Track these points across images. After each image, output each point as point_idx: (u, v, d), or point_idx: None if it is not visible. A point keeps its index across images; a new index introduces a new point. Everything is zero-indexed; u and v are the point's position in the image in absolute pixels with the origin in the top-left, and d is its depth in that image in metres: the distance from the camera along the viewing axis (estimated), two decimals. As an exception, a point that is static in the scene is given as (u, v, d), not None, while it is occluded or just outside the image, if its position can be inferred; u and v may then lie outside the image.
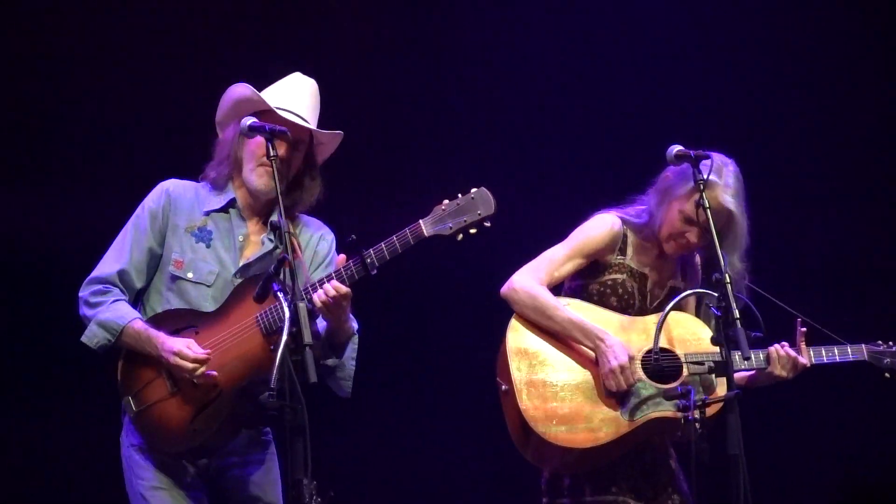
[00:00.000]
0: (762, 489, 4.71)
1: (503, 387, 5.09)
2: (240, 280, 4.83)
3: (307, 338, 4.31)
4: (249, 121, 4.70)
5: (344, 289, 4.66)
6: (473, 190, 4.84)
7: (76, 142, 6.82)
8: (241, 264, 4.87)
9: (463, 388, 6.68)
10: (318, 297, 4.67)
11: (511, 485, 5.67)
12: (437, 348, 7.34)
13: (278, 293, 4.46)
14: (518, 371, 5.05)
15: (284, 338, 4.27)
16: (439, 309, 7.32)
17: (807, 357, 5.11)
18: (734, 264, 5.06)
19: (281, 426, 4.38)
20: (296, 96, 4.92)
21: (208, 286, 4.84)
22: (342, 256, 4.75)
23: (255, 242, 4.92)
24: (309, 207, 4.94)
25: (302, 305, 4.33)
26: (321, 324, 4.78)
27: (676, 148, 4.94)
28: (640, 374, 5.01)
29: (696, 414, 4.68)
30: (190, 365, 4.66)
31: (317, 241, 4.97)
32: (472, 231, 4.81)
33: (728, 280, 4.68)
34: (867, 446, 7.06)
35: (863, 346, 5.21)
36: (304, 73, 5.03)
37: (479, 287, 5.45)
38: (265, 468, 4.88)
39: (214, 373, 4.70)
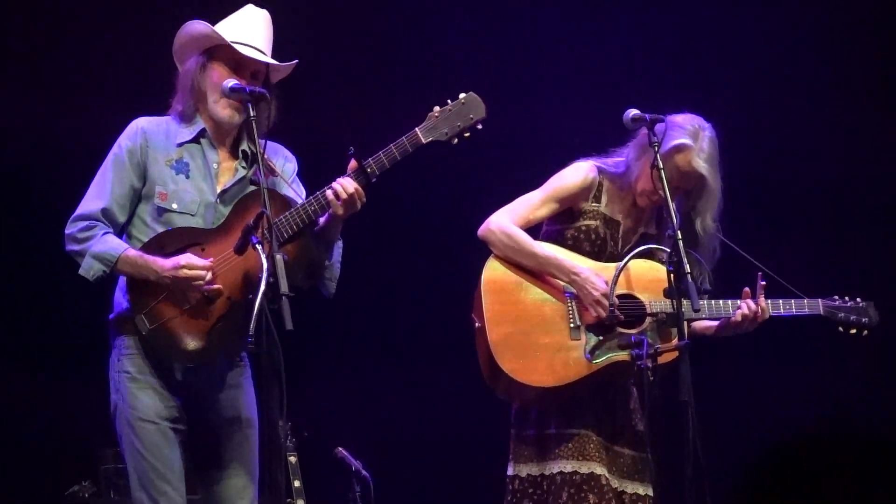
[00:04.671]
0: (711, 432, 4.79)
1: (476, 323, 5.20)
2: (221, 206, 4.93)
3: (284, 287, 4.40)
4: (231, 83, 4.84)
5: (354, 186, 4.80)
6: (462, 95, 4.97)
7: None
8: (218, 191, 4.95)
9: (439, 327, 6.74)
10: (335, 191, 4.79)
11: (483, 416, 5.76)
12: (414, 289, 7.47)
13: (257, 245, 4.54)
14: (490, 309, 5.17)
15: (262, 287, 4.39)
16: (418, 249, 7.43)
17: (766, 309, 5.22)
18: (707, 224, 5.19)
19: (259, 370, 4.49)
20: (250, 29, 4.99)
21: (193, 215, 4.91)
22: (353, 163, 4.84)
23: (228, 168, 5.01)
24: (268, 128, 4.96)
25: (279, 258, 4.46)
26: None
27: (632, 112, 5.03)
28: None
29: (649, 363, 4.84)
30: (202, 272, 4.75)
31: (282, 165, 5.09)
32: (467, 135, 4.94)
33: (679, 237, 4.80)
34: (810, 394, 7.19)
35: (819, 300, 5.30)
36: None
37: (460, 225, 5.59)
38: (242, 389, 4.99)
39: (219, 286, 4.78)
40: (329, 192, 4.82)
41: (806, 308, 5.30)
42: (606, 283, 5.15)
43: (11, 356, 7.02)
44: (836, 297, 5.34)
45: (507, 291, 5.23)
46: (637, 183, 5.24)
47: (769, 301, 5.24)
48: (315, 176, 5.06)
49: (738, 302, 5.21)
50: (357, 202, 4.84)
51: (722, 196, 5.22)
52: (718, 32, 7.46)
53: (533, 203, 5.31)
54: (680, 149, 5.12)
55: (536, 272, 5.26)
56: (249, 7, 5.07)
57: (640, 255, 5.18)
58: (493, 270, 5.25)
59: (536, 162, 5.50)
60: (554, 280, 5.25)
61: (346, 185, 4.82)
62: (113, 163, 4.97)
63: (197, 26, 4.99)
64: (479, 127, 4.96)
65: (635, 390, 5.32)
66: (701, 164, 5.14)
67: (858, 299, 5.34)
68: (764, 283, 5.21)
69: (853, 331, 5.31)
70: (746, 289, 5.21)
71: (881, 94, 7.39)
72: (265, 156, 4.88)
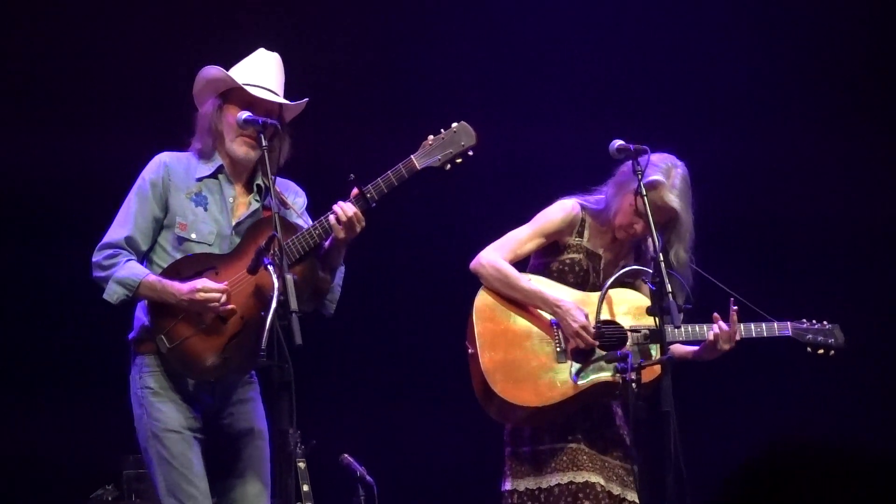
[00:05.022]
0: (692, 444, 5.03)
1: (469, 350, 5.41)
2: (236, 237, 5.17)
3: (294, 305, 4.67)
4: (245, 115, 5.10)
5: (354, 210, 5.04)
6: (454, 124, 5.21)
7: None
8: (234, 223, 5.18)
9: (439, 340, 6.79)
10: (336, 215, 5.04)
11: (482, 426, 5.82)
12: (415, 307, 7.64)
13: (269, 266, 4.76)
14: (482, 336, 5.40)
15: (274, 305, 4.66)
16: (418, 270, 7.58)
17: (738, 332, 5.40)
18: (680, 255, 5.35)
19: (269, 383, 4.79)
20: (262, 71, 5.24)
21: (209, 245, 5.15)
22: (354, 190, 5.07)
23: (243, 203, 5.24)
24: (281, 164, 5.20)
25: (289, 277, 4.74)
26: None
27: (618, 143, 5.22)
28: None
29: (633, 376, 5.07)
30: (218, 295, 5.00)
31: (293, 199, 5.33)
32: (459, 161, 5.20)
33: (661, 258, 5.05)
34: (784, 408, 7.34)
35: (788, 323, 5.46)
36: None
37: (460, 247, 5.78)
38: (253, 404, 5.24)
39: (232, 306, 5.01)
40: (332, 217, 5.09)
41: (776, 331, 5.45)
42: (586, 315, 5.37)
43: (38, 367, 7.23)
44: (805, 320, 5.51)
45: (497, 320, 5.45)
46: (615, 218, 5.45)
47: (741, 325, 5.42)
48: (319, 205, 5.29)
49: (713, 325, 5.41)
50: (356, 225, 5.09)
51: (694, 229, 5.43)
52: (698, 70, 7.67)
53: (520, 238, 5.52)
54: (654, 185, 5.29)
55: (523, 303, 5.46)
56: (261, 51, 5.34)
57: (623, 278, 5.41)
58: (483, 302, 5.46)
59: (529, 195, 5.71)
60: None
61: (345, 208, 5.08)
62: (137, 194, 5.22)
63: (211, 71, 5.24)
64: (471, 154, 5.23)
65: (619, 410, 5.51)
66: (673, 199, 5.33)
67: (825, 322, 5.51)
68: (736, 307, 5.39)
69: (820, 351, 5.48)
70: (716, 314, 5.41)
71: (849, 122, 7.53)
72: (277, 190, 5.15)
